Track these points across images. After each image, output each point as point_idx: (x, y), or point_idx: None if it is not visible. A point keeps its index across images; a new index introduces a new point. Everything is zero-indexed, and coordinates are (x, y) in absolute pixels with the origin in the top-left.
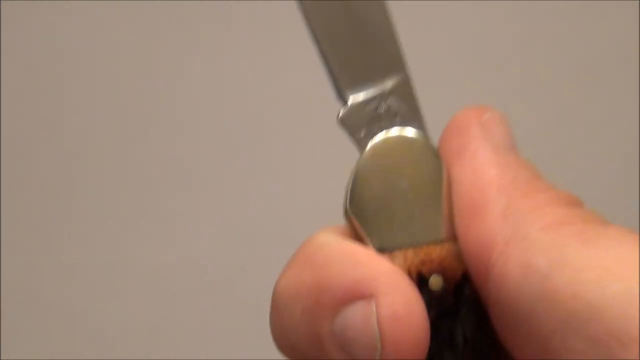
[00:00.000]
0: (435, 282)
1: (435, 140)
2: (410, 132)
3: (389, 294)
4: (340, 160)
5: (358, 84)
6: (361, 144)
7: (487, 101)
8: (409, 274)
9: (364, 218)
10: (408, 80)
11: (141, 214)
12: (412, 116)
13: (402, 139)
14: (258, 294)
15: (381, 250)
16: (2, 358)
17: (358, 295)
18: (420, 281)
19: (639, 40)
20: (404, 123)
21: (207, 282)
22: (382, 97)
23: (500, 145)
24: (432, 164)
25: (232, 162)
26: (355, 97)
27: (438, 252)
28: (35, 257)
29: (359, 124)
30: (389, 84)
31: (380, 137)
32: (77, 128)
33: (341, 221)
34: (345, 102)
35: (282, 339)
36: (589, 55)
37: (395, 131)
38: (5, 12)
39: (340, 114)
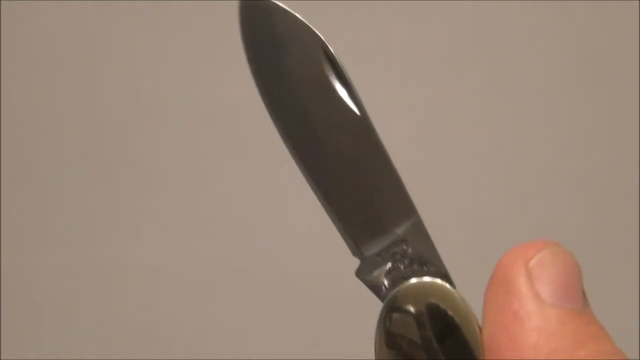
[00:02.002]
0: None
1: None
2: (429, 281)
3: None
4: None
5: (370, 238)
6: (382, 295)
7: (487, 101)
8: None
9: None
10: (419, 222)
11: (141, 213)
12: (429, 257)
13: (421, 290)
14: (260, 293)
15: None
16: (2, 358)
17: None
18: None
19: (639, 40)
20: (421, 265)
21: (206, 282)
22: (396, 244)
23: (548, 299)
24: (455, 313)
25: (231, 162)
26: (369, 250)
27: None
28: (35, 257)
29: (376, 275)
30: (401, 230)
31: (400, 289)
32: (78, 128)
33: None
34: (360, 256)
35: None
36: (589, 55)
37: (413, 282)
38: (5, 12)
39: (357, 269)
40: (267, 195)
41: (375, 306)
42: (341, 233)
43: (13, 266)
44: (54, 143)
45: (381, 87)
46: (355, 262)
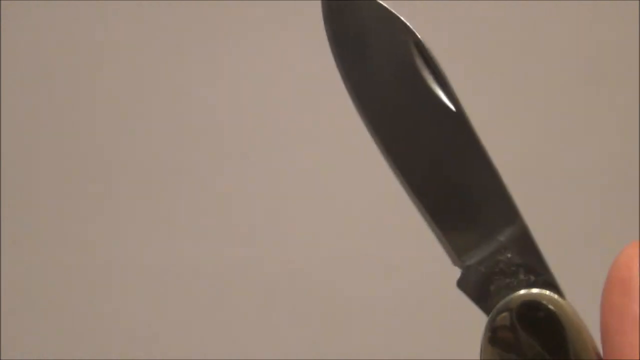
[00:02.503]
0: None
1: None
2: (537, 293)
3: None
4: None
5: (472, 246)
6: (487, 307)
7: (486, 100)
8: None
9: None
10: (524, 227)
11: (140, 214)
12: (536, 265)
13: (529, 302)
14: (262, 293)
15: None
16: (2, 358)
17: None
18: None
19: (639, 40)
20: (528, 274)
21: (207, 282)
22: (499, 252)
23: None
24: (566, 326)
25: (231, 163)
26: (471, 259)
27: None
28: (35, 258)
29: (480, 286)
30: (504, 236)
31: (506, 302)
32: (76, 129)
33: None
34: (462, 266)
35: None
36: (589, 55)
37: (521, 294)
38: (5, 12)
39: (459, 279)
40: (270, 195)
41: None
42: (440, 241)
43: (13, 266)
44: (54, 143)
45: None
46: (453, 272)
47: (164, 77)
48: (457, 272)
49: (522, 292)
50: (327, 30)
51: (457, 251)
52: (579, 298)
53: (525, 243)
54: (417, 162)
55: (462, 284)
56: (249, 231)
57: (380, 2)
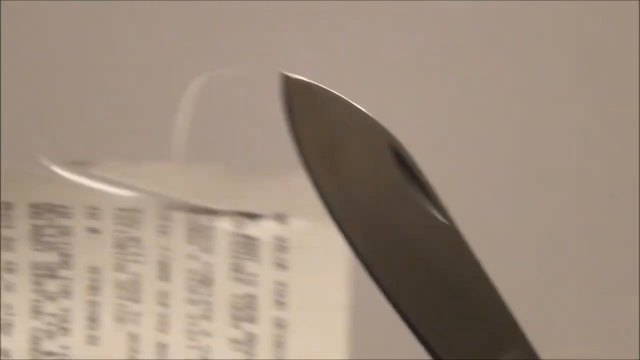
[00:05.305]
0: None
1: None
2: None
3: None
4: None
5: None
6: None
7: (485, 100)
8: None
9: None
10: (529, 348)
11: None
12: None
13: None
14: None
15: None
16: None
17: None
18: None
19: (639, 40)
20: None
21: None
22: None
23: None
24: None
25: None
26: None
27: None
28: None
29: None
30: (507, 357)
31: None
32: (78, 128)
33: None
34: None
35: None
36: (589, 55)
37: None
38: (5, 12)
39: None
40: None
41: None
42: None
43: None
44: (53, 142)
45: (383, 87)
46: None
47: (165, 78)
48: None
49: None
50: (288, 122)
51: None
52: (579, 298)
53: None
54: (408, 282)
55: None
56: None
57: (350, 101)
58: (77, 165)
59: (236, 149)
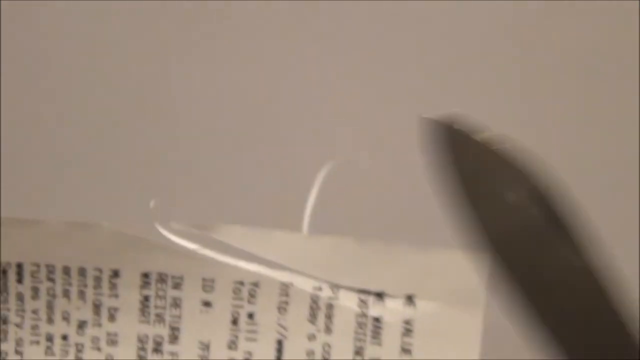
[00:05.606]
0: None
1: None
2: None
3: None
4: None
5: None
6: None
7: (485, 100)
8: None
9: None
10: None
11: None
12: None
13: None
14: None
15: None
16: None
17: None
18: None
19: (639, 40)
20: None
21: None
22: None
23: None
24: None
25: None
26: None
27: None
28: None
29: None
30: None
31: None
32: (77, 129)
33: None
34: None
35: None
36: (588, 55)
37: None
38: (5, 12)
39: None
40: None
41: None
42: None
43: None
44: (53, 142)
45: (383, 87)
46: None
47: (165, 78)
48: None
49: None
50: (441, 162)
51: None
52: None
53: None
54: (556, 327)
55: None
56: None
57: (497, 147)
58: (194, 229)
59: (366, 223)
